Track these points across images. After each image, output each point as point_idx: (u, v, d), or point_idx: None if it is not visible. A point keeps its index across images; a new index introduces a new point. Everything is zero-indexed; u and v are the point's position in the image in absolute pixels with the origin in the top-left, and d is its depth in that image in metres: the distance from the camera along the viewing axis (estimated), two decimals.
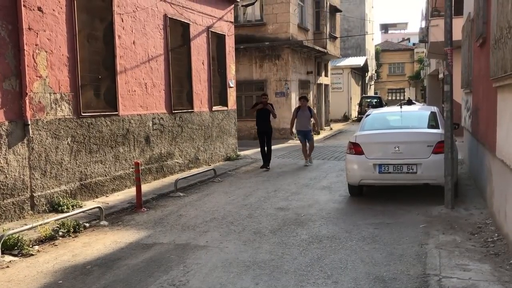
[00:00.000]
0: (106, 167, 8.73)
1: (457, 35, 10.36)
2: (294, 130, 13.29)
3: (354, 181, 8.10)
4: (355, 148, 7.95)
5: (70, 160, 7.88)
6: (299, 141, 13.26)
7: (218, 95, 13.29)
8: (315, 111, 15.58)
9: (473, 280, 4.38)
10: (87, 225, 6.79)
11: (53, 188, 7.54)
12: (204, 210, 7.73)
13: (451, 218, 6.62)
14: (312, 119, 13.02)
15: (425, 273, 4.64)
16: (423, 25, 27.29)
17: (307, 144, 12.71)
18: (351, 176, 8.10)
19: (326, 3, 24.42)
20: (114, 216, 7.41)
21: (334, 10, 26.43)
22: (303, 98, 13.11)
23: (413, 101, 11.19)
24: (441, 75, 26.29)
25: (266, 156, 12.26)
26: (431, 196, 7.87)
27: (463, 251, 5.20)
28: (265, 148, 12.33)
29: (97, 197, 8.43)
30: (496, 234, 5.68)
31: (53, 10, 7.57)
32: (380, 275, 4.67)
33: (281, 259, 5.23)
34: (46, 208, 7.37)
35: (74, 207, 7.51)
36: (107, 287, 4.58)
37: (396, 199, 8.01)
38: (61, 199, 7.59)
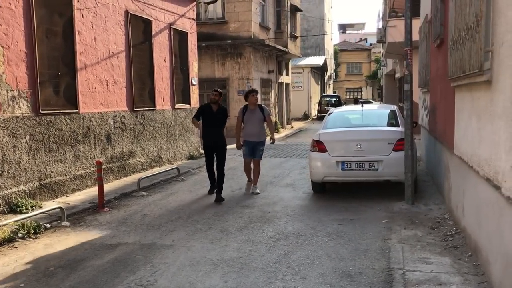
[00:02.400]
0: (66, 167, 8.50)
1: (414, 35, 10.70)
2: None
3: (317, 178, 8.22)
4: (319, 146, 8.07)
5: (29, 159, 7.62)
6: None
7: (181, 93, 13.17)
8: (273, 111, 9.76)
9: (435, 272, 4.54)
10: (48, 226, 6.59)
11: (11, 188, 7.27)
12: (168, 209, 7.65)
13: (411, 214, 6.84)
14: (266, 124, 8.88)
15: (389, 267, 4.77)
16: (381, 25, 28.00)
17: (253, 163, 8.74)
18: (315, 173, 8.21)
19: (287, 3, 24.63)
20: (76, 217, 7.22)
21: (294, 9, 26.70)
22: (252, 93, 8.67)
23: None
24: (397, 75, 27.06)
25: (217, 182, 8.38)
26: (392, 192, 8.10)
27: (424, 245, 5.39)
28: (214, 169, 8.59)
29: (57, 197, 8.19)
30: (454, 228, 5.91)
31: (10, 3, 7.29)
32: (347, 270, 4.78)
33: (248, 256, 5.26)
34: (4, 209, 7.09)
35: (34, 207, 7.27)
36: None
37: (358, 196, 8.19)
38: (19, 199, 7.33)
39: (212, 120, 8.46)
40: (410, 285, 4.27)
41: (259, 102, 9.06)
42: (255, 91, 8.76)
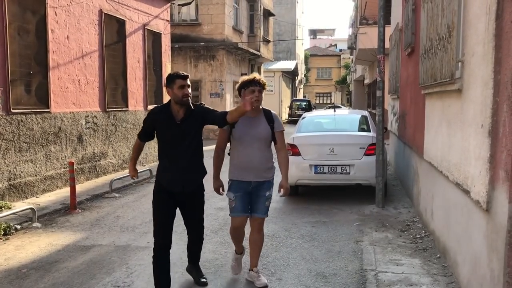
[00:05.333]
0: (36, 167, 8.34)
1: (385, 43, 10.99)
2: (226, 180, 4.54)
3: (291, 181, 8.27)
4: (293, 149, 8.19)
5: None
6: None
7: (154, 94, 13.09)
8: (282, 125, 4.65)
9: (406, 273, 4.70)
10: (19, 227, 6.46)
11: None
12: (142, 211, 7.61)
13: (382, 217, 7.03)
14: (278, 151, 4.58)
15: (362, 269, 4.91)
16: (351, 32, 28.50)
17: (251, 225, 4.54)
18: (288, 177, 8.28)
19: (260, 7, 24.80)
20: (47, 218, 7.10)
21: (267, 14, 26.90)
22: (252, 85, 4.34)
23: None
24: (366, 81, 27.61)
25: (191, 264, 4.68)
26: (362, 196, 8.29)
27: (395, 247, 5.56)
28: (170, 240, 4.25)
29: (26, 198, 8.03)
30: (423, 231, 6.11)
31: None
32: (321, 271, 4.88)
33: (225, 258, 5.30)
34: None
35: (3, 208, 7.10)
36: None
37: (330, 199, 8.34)
38: None
39: (176, 139, 4.10)
40: (383, 286, 4.41)
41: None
42: (260, 84, 4.37)
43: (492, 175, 3.29)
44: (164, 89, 13.41)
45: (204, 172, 4.34)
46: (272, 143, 4.48)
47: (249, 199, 4.43)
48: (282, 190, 4.53)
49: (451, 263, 4.69)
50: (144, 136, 4.36)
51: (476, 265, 3.71)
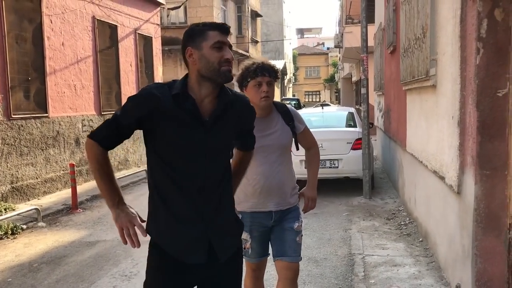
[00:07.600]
0: (37, 170, 8.64)
1: (369, 41, 11.38)
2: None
3: None
4: None
5: (1, 162, 7.75)
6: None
7: None
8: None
9: (390, 256, 5.10)
10: (24, 227, 6.77)
11: None
12: (142, 210, 7.82)
13: (369, 207, 7.44)
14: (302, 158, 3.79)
15: (350, 253, 5.30)
16: (338, 31, 28.98)
17: (281, 275, 3.04)
18: None
19: (248, 8, 25.19)
20: (50, 218, 7.41)
21: (255, 15, 27.30)
22: (258, 75, 2.89)
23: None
24: (354, 78, 28.09)
25: None
26: (351, 188, 8.69)
27: (381, 234, 5.96)
28: None
29: (29, 200, 8.33)
30: (408, 219, 6.53)
31: None
32: (313, 256, 5.27)
33: None
34: None
35: (7, 210, 7.40)
36: (59, 281, 4.75)
37: (320, 192, 8.63)
38: None
39: (199, 154, 2.08)
40: (369, 267, 4.80)
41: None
42: (270, 71, 2.95)
43: (462, 161, 3.69)
44: None
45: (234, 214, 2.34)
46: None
47: (268, 237, 3.10)
48: (304, 200, 3.26)
49: (431, 245, 5.10)
50: (113, 136, 2.13)
51: (451, 243, 4.12)
